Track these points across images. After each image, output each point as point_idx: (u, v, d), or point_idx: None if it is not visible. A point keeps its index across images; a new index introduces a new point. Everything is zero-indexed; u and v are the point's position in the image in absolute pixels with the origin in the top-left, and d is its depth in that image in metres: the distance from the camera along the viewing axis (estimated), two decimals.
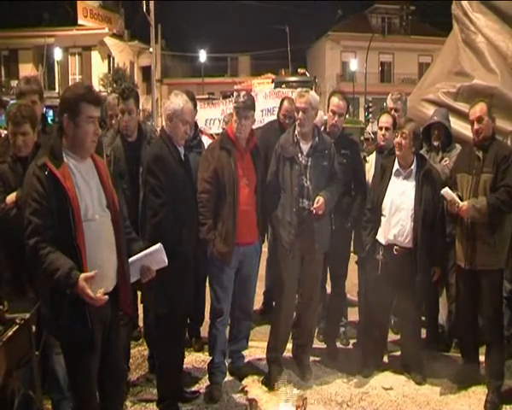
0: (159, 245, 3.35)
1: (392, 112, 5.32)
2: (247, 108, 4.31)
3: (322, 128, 4.96)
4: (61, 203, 2.86)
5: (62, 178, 2.88)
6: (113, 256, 3.09)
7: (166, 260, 3.38)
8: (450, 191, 4.25)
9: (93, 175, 3.09)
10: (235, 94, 16.54)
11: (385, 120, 5.14)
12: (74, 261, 2.84)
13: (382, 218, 4.55)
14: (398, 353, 4.93)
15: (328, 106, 5.01)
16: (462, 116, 5.35)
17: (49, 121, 5.84)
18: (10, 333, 3.08)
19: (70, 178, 2.92)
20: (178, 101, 4.03)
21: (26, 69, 32.88)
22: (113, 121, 5.06)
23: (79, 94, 2.96)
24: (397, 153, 4.54)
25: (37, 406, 3.39)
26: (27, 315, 3.24)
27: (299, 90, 4.85)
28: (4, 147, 3.77)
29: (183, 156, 4.10)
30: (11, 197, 3.59)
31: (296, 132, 4.53)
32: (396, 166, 4.58)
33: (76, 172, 2.98)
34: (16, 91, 4.11)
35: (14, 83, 32.16)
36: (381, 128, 5.17)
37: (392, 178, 4.58)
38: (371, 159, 5.24)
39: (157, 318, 4.07)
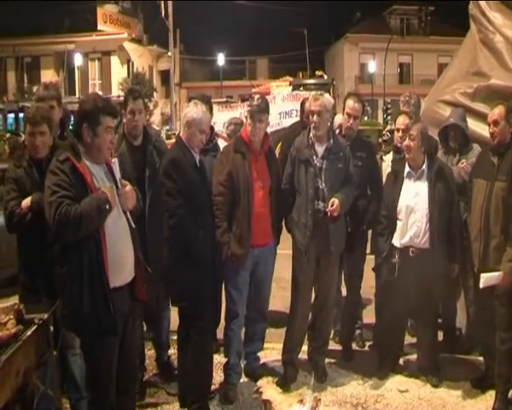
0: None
1: None
2: (261, 111, 4.34)
3: (338, 131, 4.97)
4: (83, 195, 3.06)
5: (83, 171, 3.11)
6: (130, 249, 3.30)
7: None
8: (486, 276, 4.10)
9: (105, 173, 3.30)
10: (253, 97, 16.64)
11: (401, 121, 5.13)
12: (96, 252, 3.06)
13: (398, 222, 4.53)
14: (415, 355, 4.90)
15: (344, 108, 5.02)
16: (480, 117, 5.31)
17: (70, 127, 5.90)
18: (29, 333, 3.14)
19: (88, 172, 3.14)
20: (198, 111, 4.12)
21: (48, 75, 33.37)
22: None
23: (99, 107, 3.18)
24: (406, 156, 4.53)
25: (56, 405, 3.46)
26: (45, 315, 3.30)
27: (313, 93, 4.87)
28: (20, 151, 3.86)
29: (198, 162, 4.17)
30: (26, 202, 3.65)
31: (311, 135, 4.55)
32: (407, 168, 4.57)
33: (92, 169, 3.19)
34: (35, 97, 4.21)
35: (35, 89, 32.63)
36: (397, 130, 5.17)
37: (405, 181, 4.57)
38: (388, 158, 5.24)
39: (181, 320, 4.12)
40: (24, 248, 3.79)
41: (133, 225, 3.39)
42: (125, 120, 4.45)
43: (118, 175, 3.36)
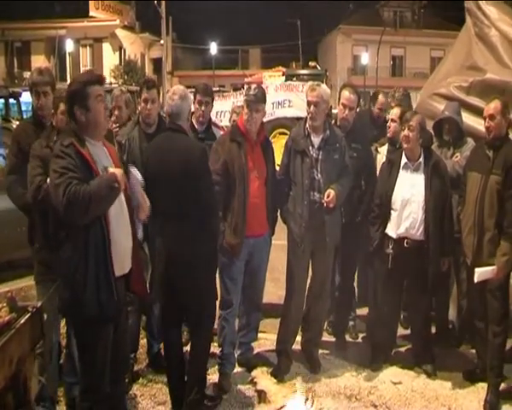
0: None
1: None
2: (258, 101, 4.31)
3: (333, 122, 4.96)
4: (89, 179, 3.02)
5: (88, 156, 3.07)
6: (129, 237, 3.27)
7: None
8: (481, 270, 4.11)
9: (107, 159, 3.26)
10: (245, 86, 16.60)
11: (395, 112, 5.15)
12: (101, 239, 3.04)
13: (392, 212, 4.54)
14: (408, 347, 4.93)
15: (339, 99, 5.00)
16: (475, 111, 5.31)
17: None
18: (22, 321, 3.11)
19: (92, 158, 3.10)
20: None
21: (38, 61, 32.98)
22: (117, 112, 5.16)
23: (84, 81, 3.16)
24: (404, 146, 4.54)
25: (50, 393, 3.45)
26: (39, 303, 3.27)
27: (310, 83, 4.84)
28: (48, 132, 3.83)
29: None
30: None
31: (307, 126, 4.54)
32: (404, 159, 4.57)
33: (95, 157, 3.14)
34: (29, 82, 4.13)
35: (26, 74, 32.31)
36: (392, 120, 5.18)
37: (401, 171, 4.57)
38: (383, 150, 5.24)
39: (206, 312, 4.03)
40: (46, 224, 3.74)
41: (134, 218, 3.37)
42: (139, 108, 4.55)
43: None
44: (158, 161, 3.92)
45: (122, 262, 3.21)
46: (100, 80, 3.23)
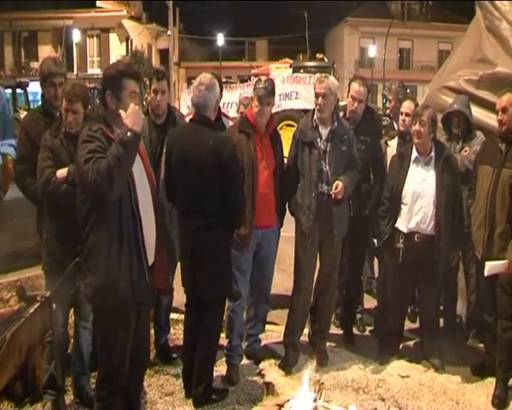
0: None
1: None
2: (268, 94, 4.30)
3: (341, 114, 4.93)
4: None
5: None
6: (154, 228, 3.24)
7: None
8: (491, 264, 4.09)
9: None
10: (252, 78, 16.55)
11: (407, 105, 5.09)
12: (133, 225, 3.03)
13: (403, 206, 4.52)
14: (415, 341, 4.92)
15: (348, 92, 4.98)
16: (485, 104, 5.27)
17: None
18: (32, 310, 3.13)
19: None
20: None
21: (45, 51, 33.02)
22: None
23: (121, 70, 3.11)
24: (415, 141, 4.51)
25: (59, 383, 3.46)
26: (48, 293, 3.28)
27: (318, 75, 4.82)
28: (57, 123, 3.84)
29: None
30: (62, 172, 3.64)
31: (315, 117, 4.52)
32: (414, 153, 4.54)
33: None
34: (45, 72, 4.05)
35: (33, 64, 32.39)
36: (403, 114, 5.14)
37: (412, 165, 4.54)
38: (393, 143, 5.21)
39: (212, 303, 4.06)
40: (55, 218, 3.75)
41: (158, 210, 3.34)
42: (148, 98, 4.54)
43: None
44: (182, 153, 3.92)
45: (148, 251, 3.17)
46: (138, 76, 3.21)
